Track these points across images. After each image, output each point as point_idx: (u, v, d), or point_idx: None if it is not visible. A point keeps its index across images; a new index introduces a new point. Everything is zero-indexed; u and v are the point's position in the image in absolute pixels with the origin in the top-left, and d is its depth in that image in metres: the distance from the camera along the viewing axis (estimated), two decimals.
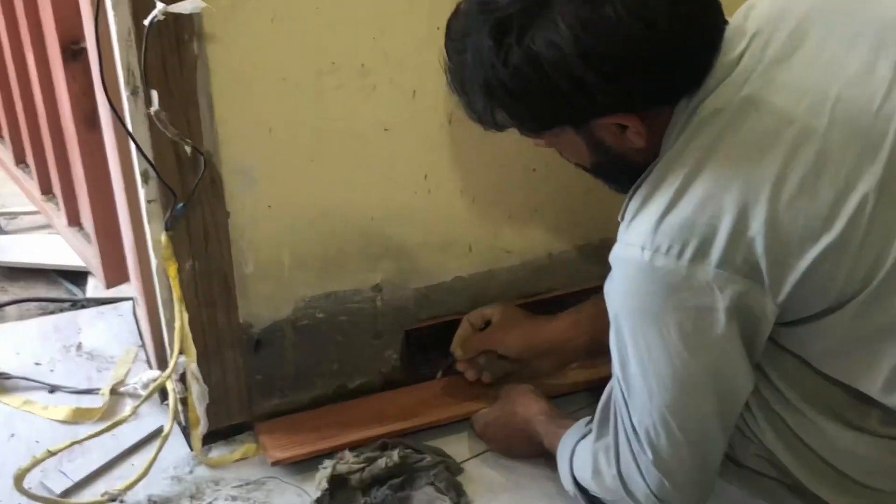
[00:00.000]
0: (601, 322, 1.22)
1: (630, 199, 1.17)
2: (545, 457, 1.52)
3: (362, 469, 1.51)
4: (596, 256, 1.73)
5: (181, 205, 1.43)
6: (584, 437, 1.39)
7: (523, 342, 1.64)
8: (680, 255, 1.10)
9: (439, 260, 1.69)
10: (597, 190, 1.33)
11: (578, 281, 1.78)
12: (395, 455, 1.53)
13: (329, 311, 1.65)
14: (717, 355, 1.15)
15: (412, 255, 1.67)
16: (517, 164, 1.67)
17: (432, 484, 1.52)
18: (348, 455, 1.54)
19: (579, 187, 1.69)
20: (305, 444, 1.59)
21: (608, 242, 1.19)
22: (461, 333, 1.66)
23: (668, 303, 1.11)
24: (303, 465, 1.57)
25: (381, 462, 1.52)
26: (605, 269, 1.18)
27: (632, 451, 1.25)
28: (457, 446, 1.64)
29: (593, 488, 1.35)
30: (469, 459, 1.62)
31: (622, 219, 1.18)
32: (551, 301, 1.77)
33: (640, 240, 1.12)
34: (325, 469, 1.52)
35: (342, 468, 1.51)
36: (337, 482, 1.50)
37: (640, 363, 1.17)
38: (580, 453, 1.38)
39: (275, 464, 1.56)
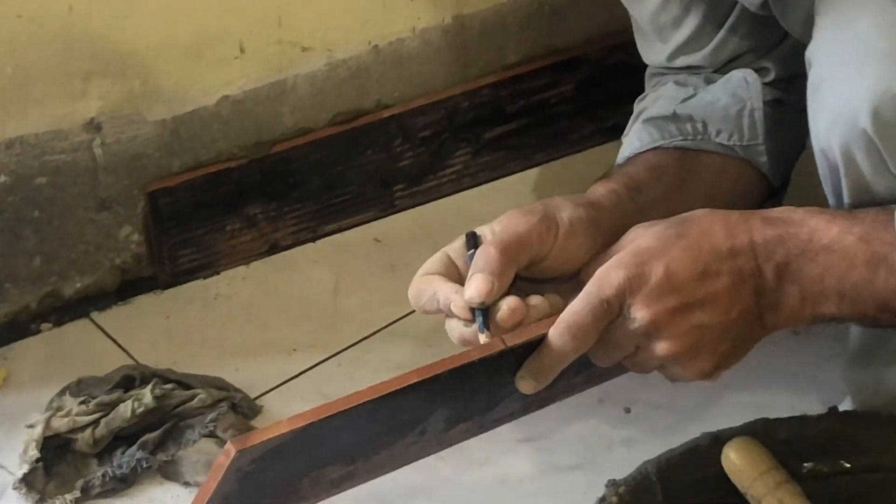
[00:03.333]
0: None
1: None
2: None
3: (95, 422, 1.27)
4: (453, 46, 1.55)
5: None
6: None
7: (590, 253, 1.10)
8: None
9: (192, 71, 1.46)
10: None
11: (426, 89, 1.57)
12: (147, 395, 1.28)
13: (15, 171, 1.40)
14: None
15: (146, 65, 1.43)
16: None
17: (212, 434, 1.30)
18: (69, 402, 1.28)
19: None
20: None
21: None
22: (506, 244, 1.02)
23: None
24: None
25: (126, 408, 1.27)
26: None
27: None
28: (250, 372, 1.38)
29: None
30: (272, 391, 1.39)
31: None
32: (384, 124, 1.57)
33: None
34: (34, 428, 1.27)
35: (60, 424, 1.26)
36: (54, 447, 1.27)
37: None
38: None
39: None
